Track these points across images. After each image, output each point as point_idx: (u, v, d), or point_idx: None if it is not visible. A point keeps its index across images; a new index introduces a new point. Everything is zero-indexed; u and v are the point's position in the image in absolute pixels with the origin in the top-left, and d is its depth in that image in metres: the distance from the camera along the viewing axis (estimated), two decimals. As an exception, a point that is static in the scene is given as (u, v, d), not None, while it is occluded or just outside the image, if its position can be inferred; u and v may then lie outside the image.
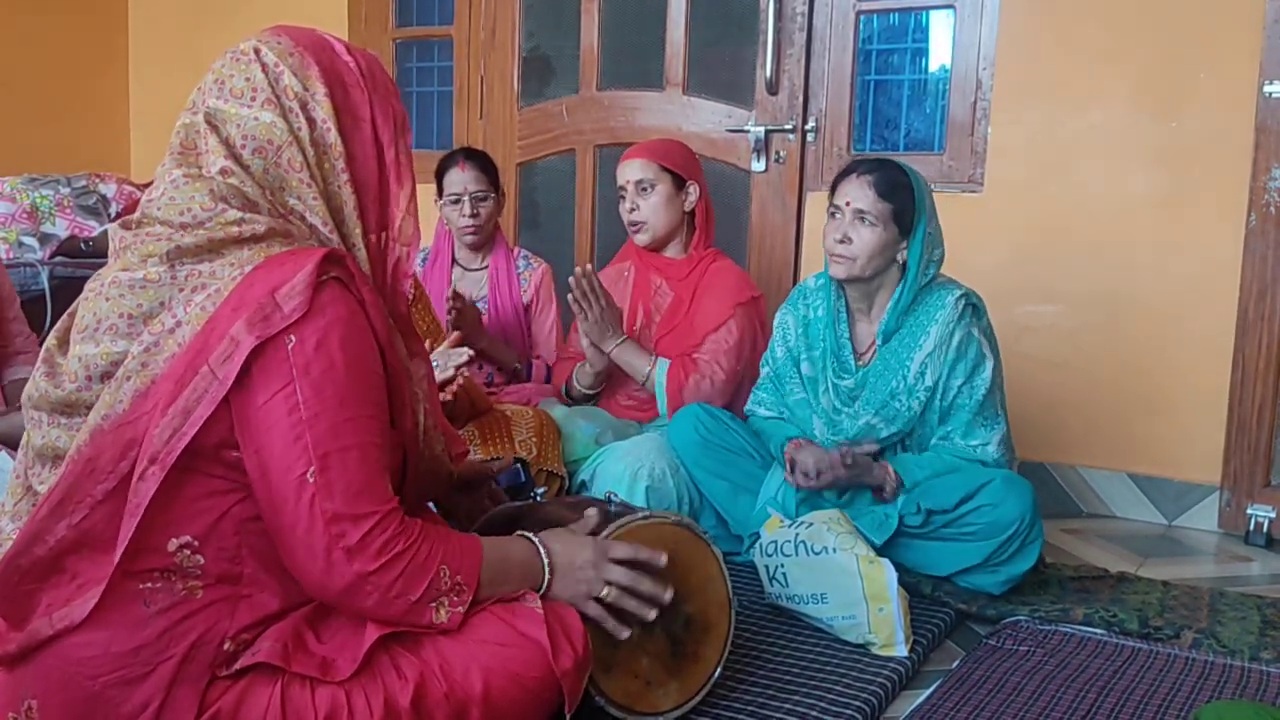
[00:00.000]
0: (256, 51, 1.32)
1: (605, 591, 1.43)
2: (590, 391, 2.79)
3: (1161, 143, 2.94)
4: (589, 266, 2.61)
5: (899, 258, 2.30)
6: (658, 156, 2.74)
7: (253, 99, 1.30)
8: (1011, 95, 3.10)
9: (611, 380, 2.79)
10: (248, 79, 1.30)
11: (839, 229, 2.28)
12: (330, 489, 1.20)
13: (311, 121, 1.30)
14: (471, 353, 2.37)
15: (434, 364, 2.24)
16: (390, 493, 1.26)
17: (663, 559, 1.49)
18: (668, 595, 1.48)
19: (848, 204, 2.27)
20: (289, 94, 1.30)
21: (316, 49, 1.34)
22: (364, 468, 1.23)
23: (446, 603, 1.29)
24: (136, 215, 1.30)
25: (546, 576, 1.40)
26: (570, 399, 2.84)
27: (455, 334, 2.50)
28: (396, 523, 1.25)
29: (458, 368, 2.32)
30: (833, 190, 2.34)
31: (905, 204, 2.26)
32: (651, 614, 1.47)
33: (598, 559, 1.44)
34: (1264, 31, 2.78)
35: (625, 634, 1.46)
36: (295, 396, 1.20)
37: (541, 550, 1.41)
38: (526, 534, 1.44)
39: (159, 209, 1.27)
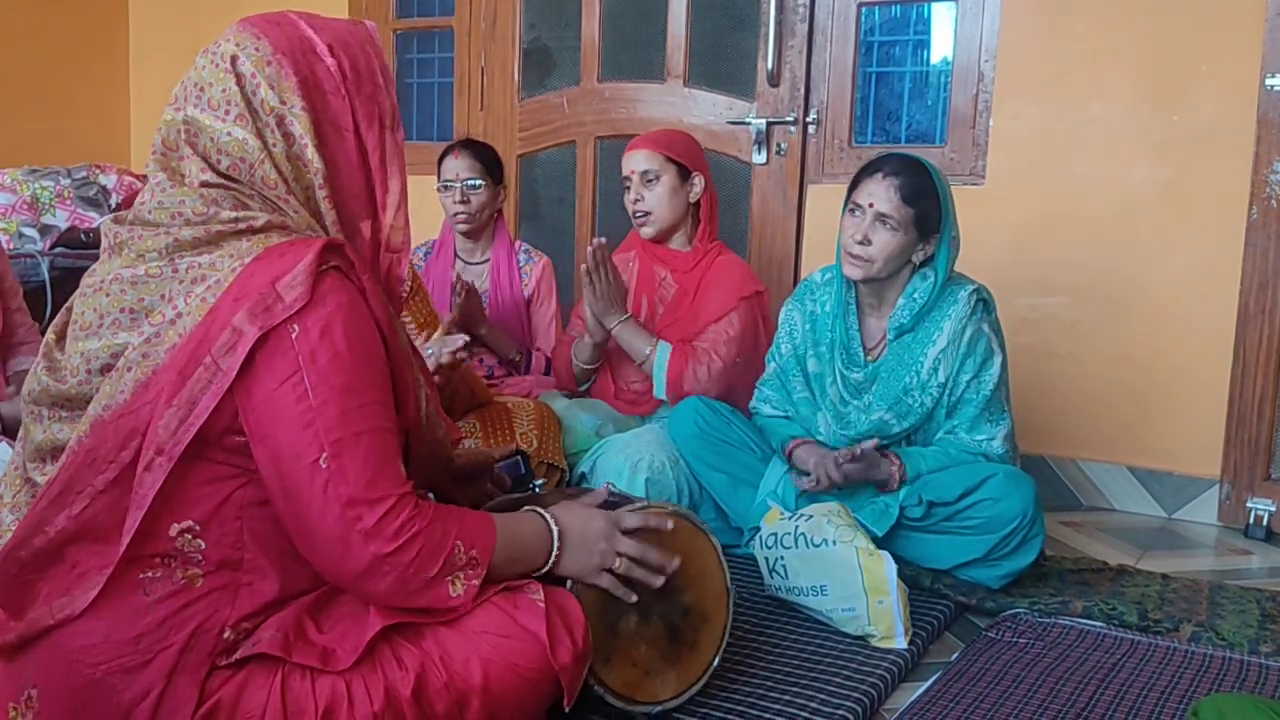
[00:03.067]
0: (234, 60, 1.28)
1: (617, 563, 1.44)
2: (588, 366, 2.78)
3: (1163, 135, 2.94)
4: (604, 240, 2.60)
5: (914, 258, 2.29)
6: (663, 147, 2.73)
7: (226, 113, 1.27)
8: (1013, 87, 3.10)
9: (611, 373, 2.79)
10: (224, 90, 1.28)
11: (859, 229, 2.24)
12: (344, 473, 1.20)
13: (289, 136, 1.28)
14: (467, 339, 2.37)
15: (428, 351, 2.24)
16: (404, 476, 1.27)
17: (669, 523, 1.51)
18: (675, 562, 1.49)
19: (870, 205, 2.23)
20: (265, 108, 1.27)
21: (295, 53, 1.29)
22: (376, 452, 1.23)
23: (462, 576, 1.30)
24: (130, 215, 1.29)
25: (555, 551, 1.40)
26: (574, 385, 2.84)
27: (451, 315, 2.48)
28: (411, 504, 1.25)
29: (453, 353, 2.32)
30: (854, 186, 2.29)
31: (929, 209, 2.23)
32: (658, 581, 1.48)
33: (609, 530, 1.45)
34: (1266, 24, 2.78)
35: (634, 598, 1.47)
36: (303, 384, 1.20)
37: (551, 524, 1.41)
38: (537, 509, 1.44)
39: (150, 213, 1.27)
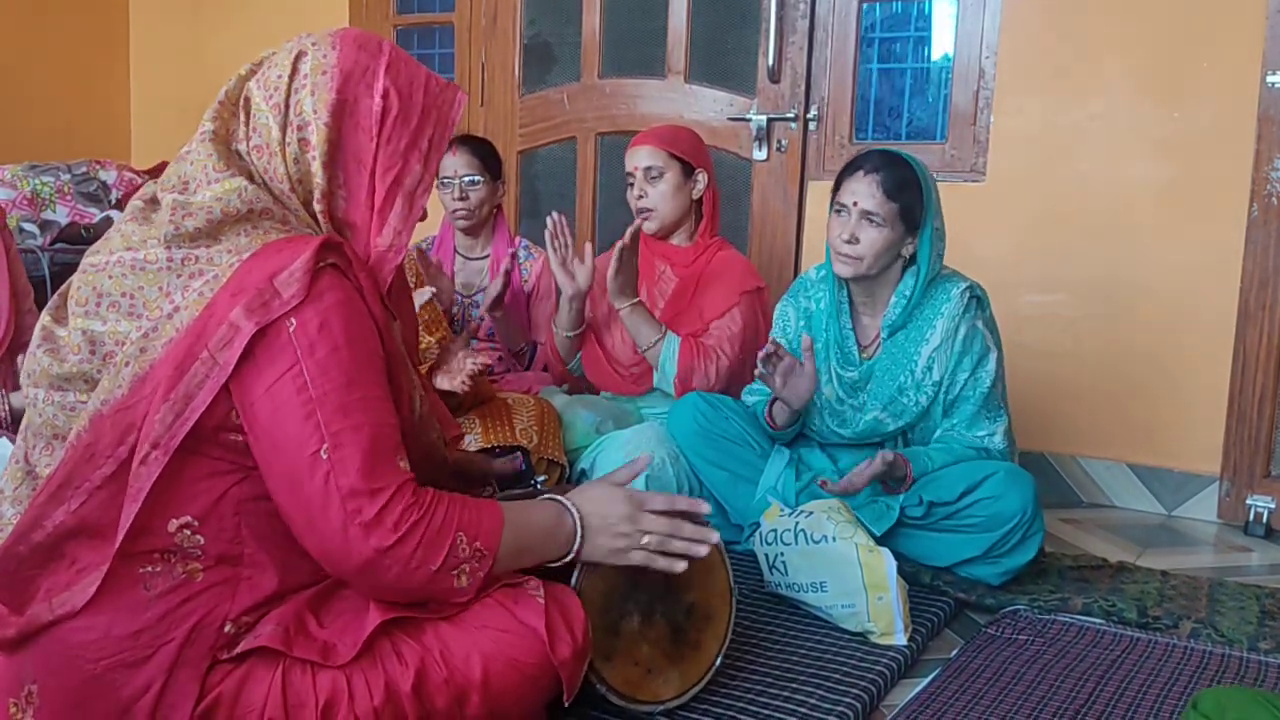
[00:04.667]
0: (299, 56, 1.31)
1: (645, 541, 1.43)
2: (570, 334, 2.76)
3: (1164, 133, 2.93)
4: (639, 223, 2.61)
5: (904, 253, 2.29)
6: (667, 143, 2.73)
7: (269, 97, 1.30)
8: (1014, 84, 3.10)
9: (607, 357, 2.78)
10: (278, 77, 1.30)
11: (845, 228, 2.25)
12: (345, 465, 1.20)
13: (304, 143, 1.29)
14: (434, 290, 2.37)
15: None
16: (404, 467, 1.26)
17: (705, 506, 1.50)
18: (714, 536, 1.49)
19: (855, 204, 2.24)
20: (297, 109, 1.29)
21: (350, 77, 1.31)
22: (376, 444, 1.23)
23: (467, 569, 1.29)
24: (161, 179, 1.31)
25: (578, 539, 1.40)
26: (562, 364, 2.84)
27: (490, 295, 2.49)
28: (410, 494, 1.25)
29: (421, 305, 2.32)
30: (837, 186, 2.30)
31: (913, 202, 2.24)
32: (702, 550, 1.46)
33: (633, 512, 1.44)
34: (1266, 21, 2.78)
35: (681, 566, 1.45)
36: (303, 377, 1.20)
37: (573, 511, 1.41)
38: (555, 496, 1.44)
39: (191, 162, 1.29)
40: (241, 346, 1.19)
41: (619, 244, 2.57)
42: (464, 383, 2.38)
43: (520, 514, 1.37)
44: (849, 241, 2.25)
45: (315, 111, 1.29)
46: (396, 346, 1.34)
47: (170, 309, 1.23)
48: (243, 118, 1.32)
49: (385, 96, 1.32)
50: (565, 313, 2.74)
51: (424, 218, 1.38)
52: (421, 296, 2.31)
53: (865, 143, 3.34)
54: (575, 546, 1.40)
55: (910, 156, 2.30)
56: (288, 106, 1.29)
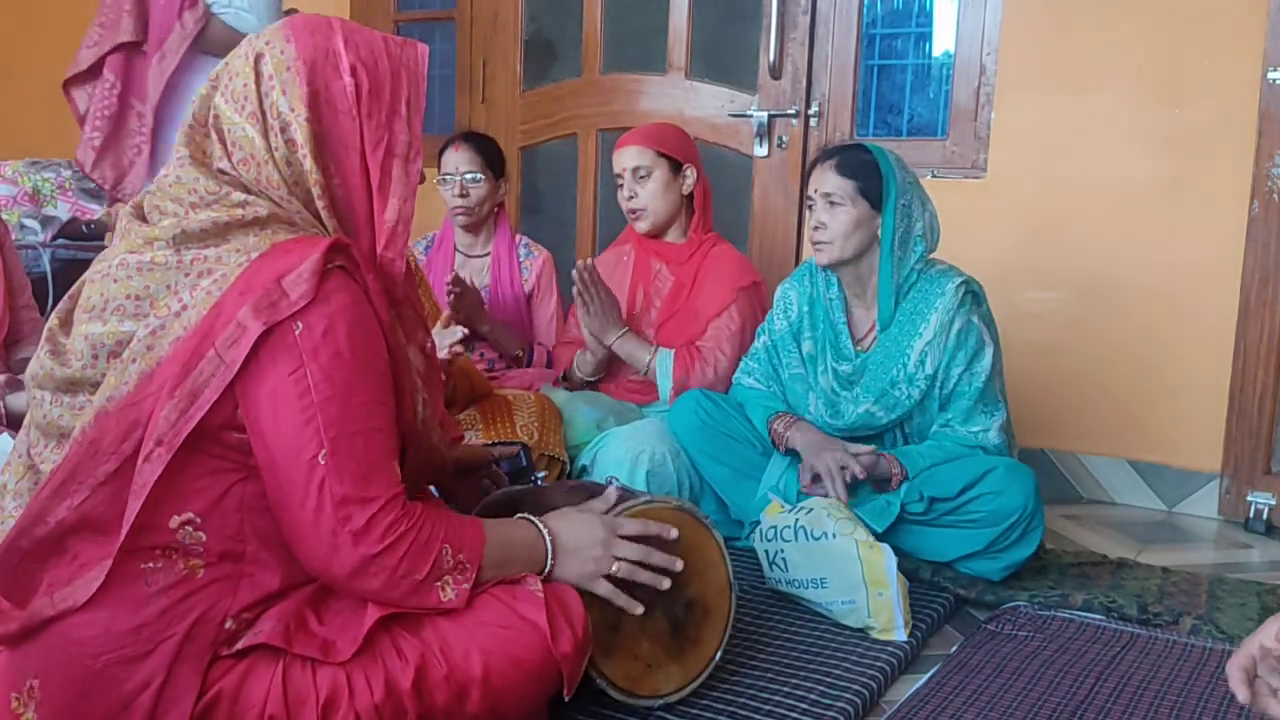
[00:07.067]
0: (258, 58, 1.30)
1: (615, 568, 1.44)
2: (591, 378, 2.81)
3: (1165, 129, 2.93)
4: (589, 260, 2.62)
5: (878, 234, 2.31)
6: (652, 142, 2.73)
7: (242, 108, 1.29)
8: (1015, 81, 3.09)
9: (612, 364, 2.79)
10: (244, 84, 1.29)
11: (815, 217, 2.34)
12: (341, 472, 1.21)
13: (291, 143, 1.29)
14: (466, 331, 2.37)
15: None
16: (397, 477, 1.27)
17: (673, 531, 1.51)
18: (678, 565, 1.50)
19: (816, 190, 2.33)
20: (274, 112, 1.29)
21: (315, 65, 1.30)
22: (372, 452, 1.24)
23: (451, 581, 1.30)
24: (148, 191, 1.31)
25: (549, 560, 1.41)
26: (568, 383, 2.85)
27: (447, 314, 2.49)
28: (400, 506, 1.26)
29: (451, 346, 2.32)
30: (804, 184, 2.37)
31: (870, 179, 2.29)
32: (665, 583, 1.48)
33: (607, 536, 1.45)
34: (1268, 18, 2.78)
35: (638, 610, 1.47)
36: (305, 380, 1.20)
37: (545, 533, 1.42)
38: (529, 517, 1.45)
39: (170, 186, 1.29)
40: (249, 346, 1.19)
41: (575, 290, 2.59)
42: (440, 353, 2.36)
43: (500, 530, 1.39)
44: (817, 228, 2.32)
45: (292, 109, 1.28)
46: (401, 347, 1.34)
47: (178, 307, 1.23)
48: (215, 136, 1.31)
49: (354, 74, 1.31)
50: (589, 362, 2.76)
51: (422, 180, 1.38)
52: (453, 336, 2.31)
53: (866, 139, 3.34)
54: (546, 568, 1.41)
55: (868, 143, 2.38)
56: (264, 112, 1.28)
